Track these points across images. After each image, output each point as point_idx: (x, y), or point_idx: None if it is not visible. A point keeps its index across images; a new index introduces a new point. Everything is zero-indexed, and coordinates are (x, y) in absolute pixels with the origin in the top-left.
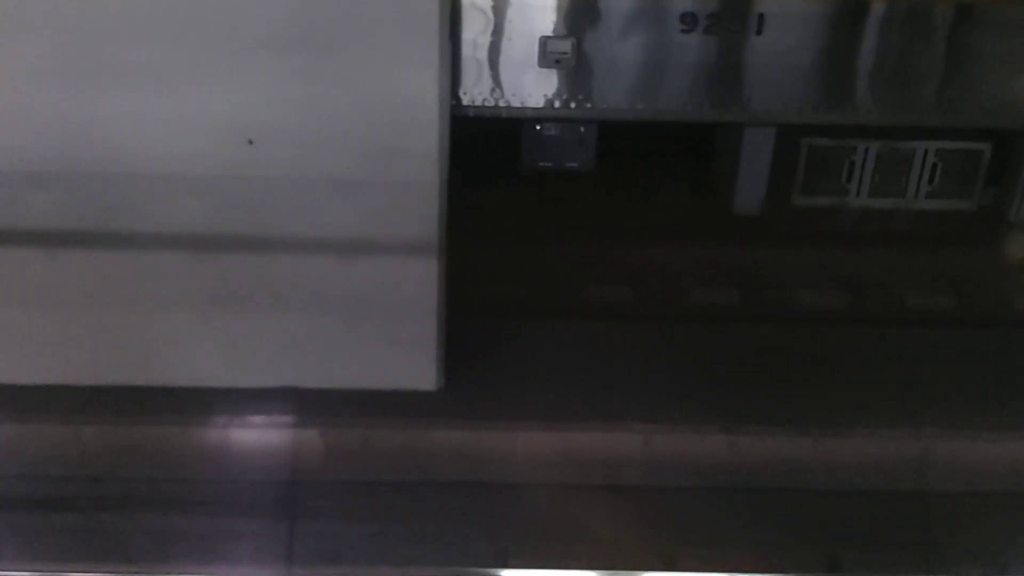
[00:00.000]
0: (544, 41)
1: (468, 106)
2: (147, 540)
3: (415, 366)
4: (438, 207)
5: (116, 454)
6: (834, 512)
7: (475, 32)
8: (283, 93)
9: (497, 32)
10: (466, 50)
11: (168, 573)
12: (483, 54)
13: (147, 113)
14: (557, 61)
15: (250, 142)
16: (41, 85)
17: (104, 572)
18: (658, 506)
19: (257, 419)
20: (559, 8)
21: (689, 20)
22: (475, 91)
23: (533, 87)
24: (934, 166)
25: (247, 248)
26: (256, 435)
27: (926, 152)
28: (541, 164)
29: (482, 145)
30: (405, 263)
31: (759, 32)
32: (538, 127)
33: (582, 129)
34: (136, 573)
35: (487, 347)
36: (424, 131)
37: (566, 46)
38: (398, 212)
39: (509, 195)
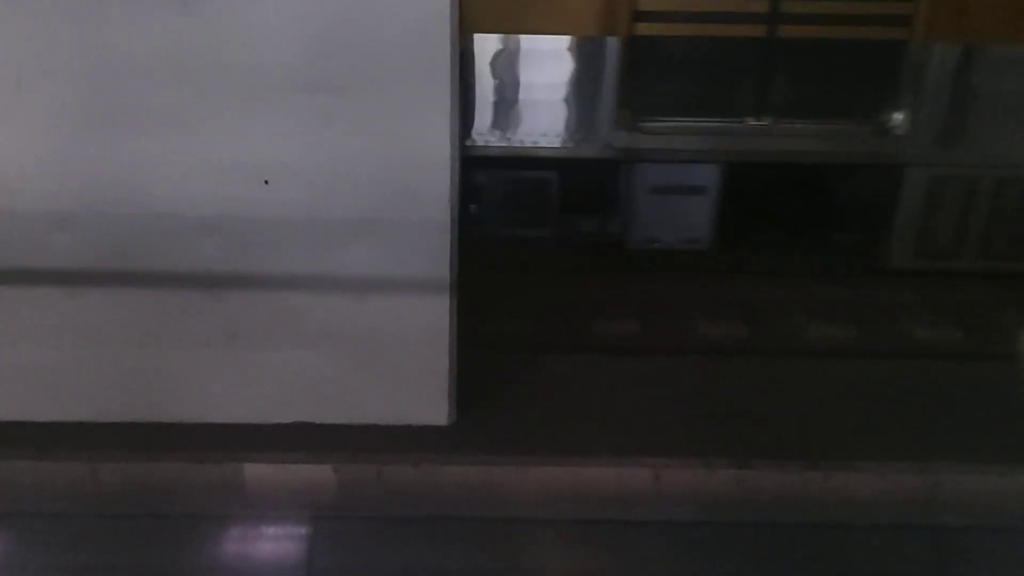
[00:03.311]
0: None
1: None
2: None
3: (428, 401)
4: (450, 245)
5: (132, 490)
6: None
7: None
8: (299, 135)
9: None
10: None
11: None
12: None
13: (165, 154)
14: None
15: (266, 182)
16: (61, 128)
17: None
18: (669, 541)
19: (271, 455)
20: None
21: None
22: None
23: None
24: None
25: (262, 286)
26: (270, 470)
27: None
28: None
29: None
30: (417, 300)
31: None
32: None
33: None
34: None
35: (500, 382)
36: (436, 171)
37: None
38: (411, 250)
39: None
